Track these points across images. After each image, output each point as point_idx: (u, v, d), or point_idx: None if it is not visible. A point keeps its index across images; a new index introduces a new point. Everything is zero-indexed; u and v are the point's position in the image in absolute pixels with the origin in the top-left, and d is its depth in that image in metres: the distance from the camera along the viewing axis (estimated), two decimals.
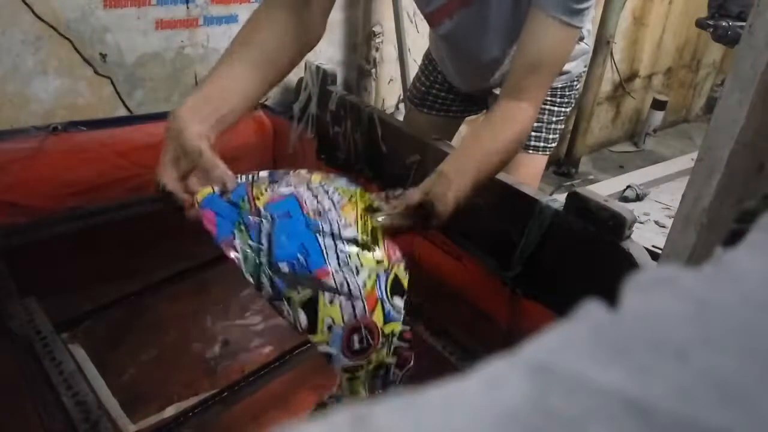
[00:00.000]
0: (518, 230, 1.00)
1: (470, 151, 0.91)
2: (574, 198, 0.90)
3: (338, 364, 0.67)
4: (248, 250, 0.65)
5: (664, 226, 2.17)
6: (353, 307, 0.67)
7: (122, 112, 1.50)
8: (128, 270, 1.27)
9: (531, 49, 0.92)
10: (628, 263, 0.84)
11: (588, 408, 0.15)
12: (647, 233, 2.09)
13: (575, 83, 1.29)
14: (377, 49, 2.08)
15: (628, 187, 2.46)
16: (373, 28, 2.05)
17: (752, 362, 0.17)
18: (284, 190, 0.72)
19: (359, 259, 0.69)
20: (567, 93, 1.27)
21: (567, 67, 1.23)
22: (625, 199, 2.43)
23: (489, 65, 1.19)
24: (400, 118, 1.77)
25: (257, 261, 0.65)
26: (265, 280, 0.64)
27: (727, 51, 3.77)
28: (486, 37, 1.10)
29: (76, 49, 1.39)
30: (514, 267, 1.01)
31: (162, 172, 0.73)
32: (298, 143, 1.52)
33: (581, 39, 1.22)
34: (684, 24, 3.40)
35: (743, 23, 0.82)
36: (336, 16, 1.86)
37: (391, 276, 0.73)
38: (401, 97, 2.20)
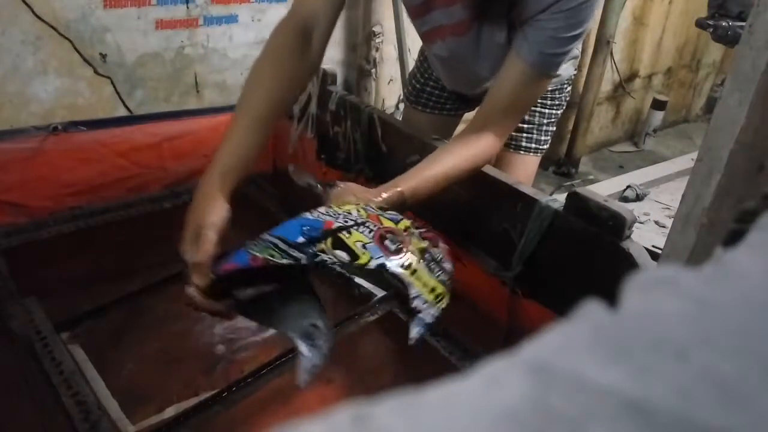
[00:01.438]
0: (518, 230, 1.00)
1: (427, 161, 0.96)
2: (574, 198, 0.90)
3: (395, 269, 0.76)
4: (270, 250, 0.76)
5: (664, 226, 2.17)
6: (366, 227, 0.79)
7: (122, 112, 1.51)
8: (128, 270, 1.27)
9: (505, 92, 0.96)
10: (628, 263, 0.84)
11: (588, 408, 0.15)
12: (647, 233, 2.09)
13: (566, 86, 1.31)
14: (377, 49, 2.08)
15: (628, 187, 2.46)
16: (373, 28, 2.05)
17: (752, 362, 0.17)
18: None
19: (341, 208, 0.83)
20: (558, 96, 1.29)
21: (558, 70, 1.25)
22: (625, 199, 2.43)
23: (481, 79, 1.20)
24: (400, 118, 1.77)
25: (281, 250, 0.76)
26: (296, 253, 0.75)
27: (727, 51, 3.77)
28: (477, 62, 1.12)
29: (76, 49, 1.39)
30: (514, 267, 1.01)
31: (185, 250, 0.87)
32: (298, 143, 1.52)
33: None
34: (684, 24, 3.40)
35: (743, 23, 0.82)
36: None
37: (370, 206, 0.86)
38: (401, 97, 2.20)
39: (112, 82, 1.47)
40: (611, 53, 2.94)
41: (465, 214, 1.09)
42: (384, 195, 0.89)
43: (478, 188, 1.06)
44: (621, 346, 0.17)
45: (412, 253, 0.78)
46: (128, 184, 1.37)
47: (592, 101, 2.98)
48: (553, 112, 1.29)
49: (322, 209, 0.83)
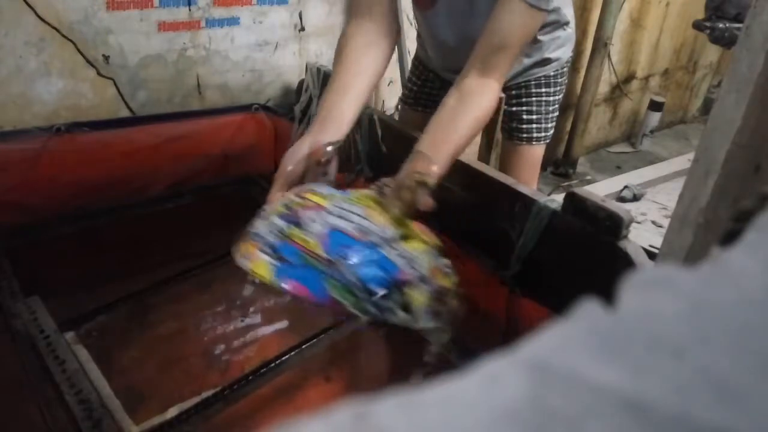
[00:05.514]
0: (516, 230, 1.00)
1: (443, 127, 0.96)
2: (571, 198, 0.91)
3: (433, 325, 0.81)
4: (346, 294, 0.76)
5: (661, 226, 2.17)
6: (429, 285, 0.81)
7: (125, 113, 1.50)
8: (131, 270, 1.28)
9: (499, 30, 0.96)
10: (626, 263, 0.84)
11: (585, 406, 0.16)
12: (644, 233, 2.10)
13: (565, 69, 1.33)
14: None
15: (626, 187, 2.47)
16: None
17: (749, 361, 0.17)
18: (319, 229, 0.80)
19: (413, 250, 0.82)
20: (559, 80, 1.31)
21: (557, 54, 1.27)
22: (623, 200, 2.44)
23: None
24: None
25: (359, 297, 0.76)
26: (370, 307, 0.77)
27: (723, 52, 3.77)
28: (473, 21, 1.12)
29: (79, 50, 1.39)
30: (513, 266, 1.01)
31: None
32: None
33: (566, 24, 1.25)
34: (681, 26, 3.40)
35: (740, 25, 0.83)
36: (336, 19, 1.86)
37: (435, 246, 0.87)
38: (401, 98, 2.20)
39: (115, 84, 1.47)
40: (609, 55, 2.94)
41: (464, 214, 1.10)
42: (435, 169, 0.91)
43: (477, 188, 1.06)
44: (618, 345, 0.17)
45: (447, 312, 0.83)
46: (131, 185, 1.38)
47: (589, 102, 2.98)
48: (557, 97, 1.33)
49: (381, 221, 0.83)
